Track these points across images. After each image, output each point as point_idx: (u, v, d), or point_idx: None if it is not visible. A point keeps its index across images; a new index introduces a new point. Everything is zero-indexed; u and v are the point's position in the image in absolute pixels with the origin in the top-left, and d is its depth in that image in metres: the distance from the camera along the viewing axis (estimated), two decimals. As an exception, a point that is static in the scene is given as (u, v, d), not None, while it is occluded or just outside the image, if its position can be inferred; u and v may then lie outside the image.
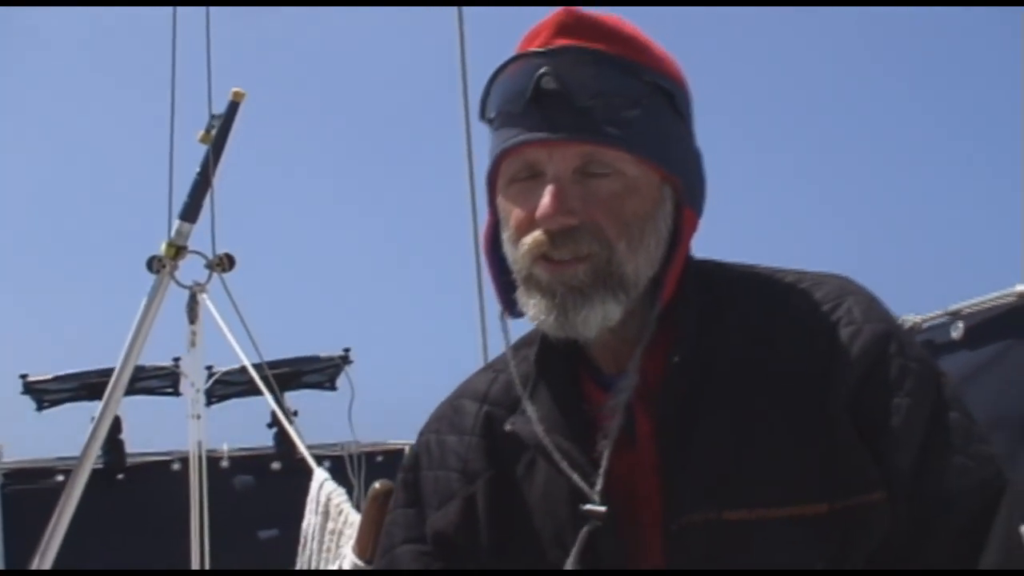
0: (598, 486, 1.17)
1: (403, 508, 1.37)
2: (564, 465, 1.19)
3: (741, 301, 1.25)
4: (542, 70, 1.17)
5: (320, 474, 2.59)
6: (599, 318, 1.18)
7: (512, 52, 1.24)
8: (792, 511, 1.12)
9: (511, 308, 1.28)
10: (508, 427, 1.26)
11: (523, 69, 1.19)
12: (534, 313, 1.21)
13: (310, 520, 2.41)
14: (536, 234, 1.18)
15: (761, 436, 1.15)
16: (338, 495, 2.36)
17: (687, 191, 1.24)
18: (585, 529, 1.17)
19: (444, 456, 1.34)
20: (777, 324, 1.22)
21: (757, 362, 1.19)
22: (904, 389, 1.15)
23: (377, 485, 1.86)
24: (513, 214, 1.21)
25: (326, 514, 2.31)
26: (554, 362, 1.28)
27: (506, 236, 1.23)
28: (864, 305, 1.21)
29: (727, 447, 1.16)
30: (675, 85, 1.24)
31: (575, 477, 1.18)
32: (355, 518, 2.19)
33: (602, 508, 1.17)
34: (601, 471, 1.18)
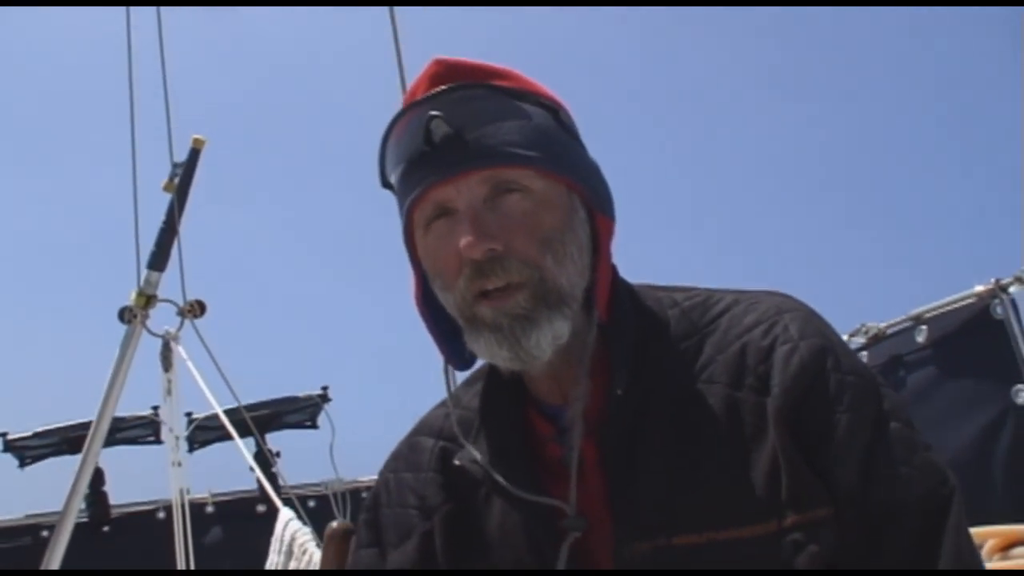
0: (572, 499, 1.19)
1: (365, 548, 1.38)
2: (515, 494, 1.21)
3: (678, 324, 1.27)
4: (429, 114, 1.19)
5: (286, 513, 2.59)
6: (549, 338, 1.19)
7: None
8: (741, 532, 1.13)
9: (455, 358, 1.30)
10: (456, 462, 1.29)
11: (411, 122, 1.22)
12: (485, 350, 1.22)
13: (273, 560, 2.41)
14: (466, 272, 1.19)
15: (705, 459, 1.16)
16: (302, 534, 2.36)
17: (595, 198, 1.25)
18: (567, 543, 1.18)
19: (402, 493, 1.35)
20: (714, 346, 1.23)
21: (697, 385, 1.20)
22: (843, 404, 1.16)
23: (334, 524, 1.86)
24: (438, 258, 1.23)
25: (289, 553, 2.30)
26: (500, 396, 1.30)
27: (438, 285, 1.25)
28: (800, 322, 1.22)
29: (673, 472, 1.17)
30: (557, 104, 1.27)
31: (546, 500, 1.20)
32: (319, 557, 2.20)
33: (578, 533, 1.19)
34: (572, 485, 1.19)
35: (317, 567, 2.07)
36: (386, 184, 1.29)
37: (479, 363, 1.33)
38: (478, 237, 1.17)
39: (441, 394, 1.39)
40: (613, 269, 1.29)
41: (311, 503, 5.09)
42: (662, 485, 1.16)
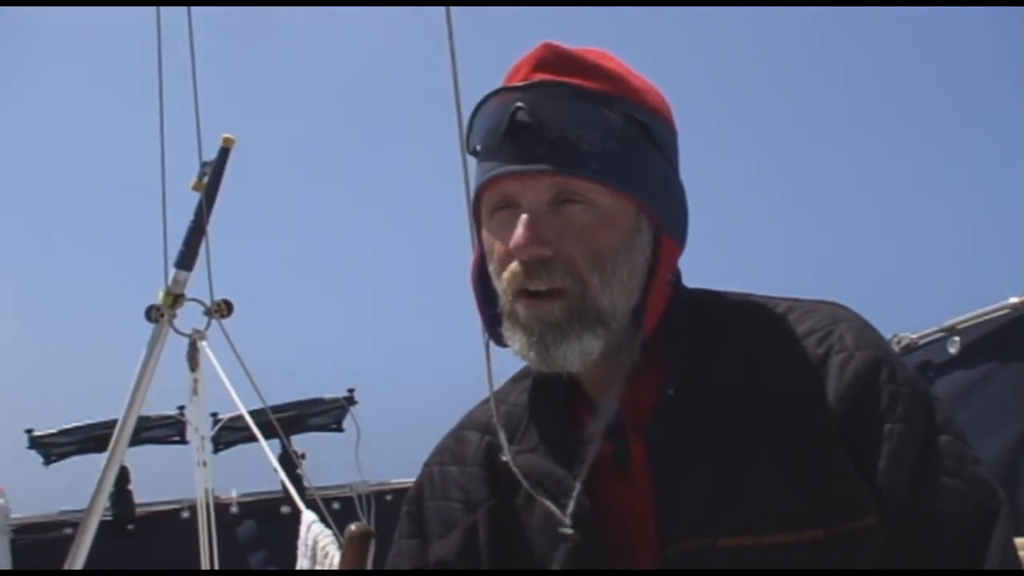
0: (570, 509, 1.19)
1: (407, 539, 1.39)
2: (538, 492, 1.22)
3: (734, 329, 1.26)
4: (516, 104, 1.19)
5: (308, 516, 2.58)
6: (577, 352, 1.19)
7: (496, 83, 1.28)
8: (787, 537, 1.13)
9: (498, 340, 1.29)
10: (504, 458, 1.28)
11: (500, 104, 1.22)
12: (517, 348, 1.23)
13: (301, 563, 2.40)
14: (513, 266, 1.20)
15: (754, 463, 1.16)
16: (324, 537, 2.35)
17: (664, 220, 1.24)
18: (561, 550, 1.20)
19: (446, 486, 1.36)
20: (769, 352, 1.23)
21: (750, 390, 1.20)
22: (896, 414, 1.16)
23: (353, 527, 1.85)
24: (495, 247, 1.23)
25: (313, 557, 2.30)
26: (548, 393, 1.30)
27: (491, 269, 1.25)
28: (855, 332, 1.22)
29: (721, 474, 1.16)
30: (653, 117, 1.25)
31: (547, 502, 1.21)
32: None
33: (570, 531, 1.19)
34: (574, 495, 1.20)
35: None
36: (469, 152, 1.30)
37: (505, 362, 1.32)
38: (530, 240, 1.18)
39: (472, 397, 1.40)
40: (677, 277, 1.29)
41: (335, 505, 5.07)
42: (710, 486, 1.16)
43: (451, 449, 1.39)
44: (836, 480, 1.14)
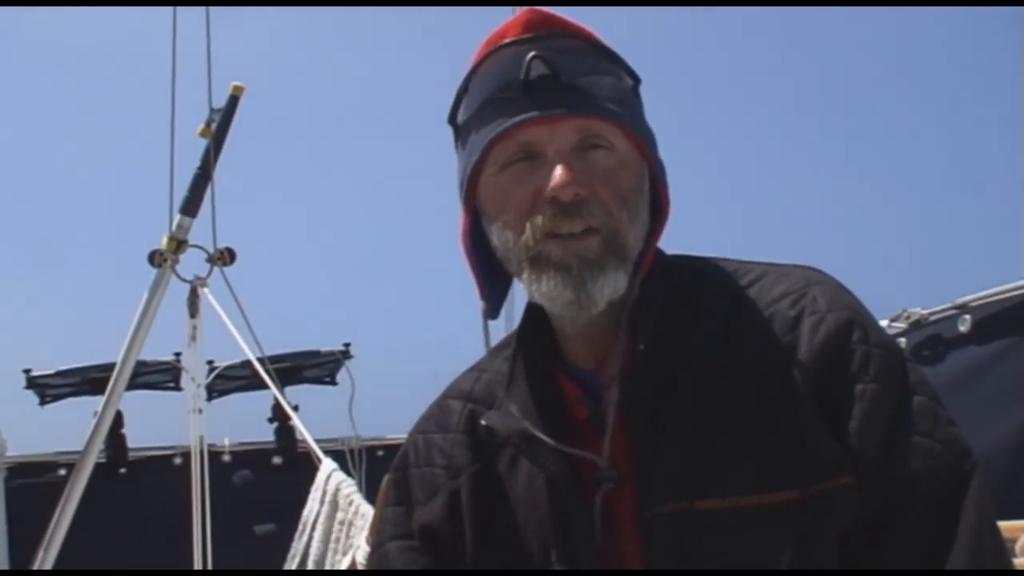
0: (605, 452, 1.19)
1: (393, 506, 1.40)
2: (550, 444, 1.21)
3: (707, 292, 1.27)
4: (531, 55, 1.19)
5: (328, 464, 2.58)
6: (611, 287, 1.20)
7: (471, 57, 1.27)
8: (764, 499, 1.14)
9: (493, 306, 1.33)
10: (483, 421, 1.29)
11: (509, 57, 1.22)
12: (547, 290, 1.21)
13: (313, 508, 2.39)
14: (546, 211, 1.19)
15: (730, 425, 1.17)
16: (347, 486, 2.35)
17: (660, 170, 1.27)
18: (599, 494, 1.19)
19: (430, 453, 1.37)
20: (743, 315, 1.24)
21: (724, 352, 1.21)
22: (869, 375, 1.16)
23: (389, 477, 1.84)
24: (511, 198, 1.22)
25: (334, 504, 2.29)
26: (530, 360, 1.30)
27: (498, 224, 1.24)
28: (828, 294, 1.23)
29: (697, 437, 1.17)
30: (637, 75, 1.28)
31: (575, 451, 1.20)
32: (366, 509, 2.18)
33: (614, 472, 1.19)
34: (607, 438, 1.19)
35: (364, 518, 2.05)
36: (452, 121, 1.29)
37: (502, 326, 1.36)
38: (572, 178, 1.17)
39: (465, 356, 1.42)
40: None
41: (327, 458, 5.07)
42: (687, 448, 1.17)
43: (435, 417, 1.40)
44: (810, 441, 1.14)
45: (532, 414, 1.25)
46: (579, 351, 1.29)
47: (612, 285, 1.20)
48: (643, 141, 1.24)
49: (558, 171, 1.18)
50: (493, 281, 1.33)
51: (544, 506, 1.24)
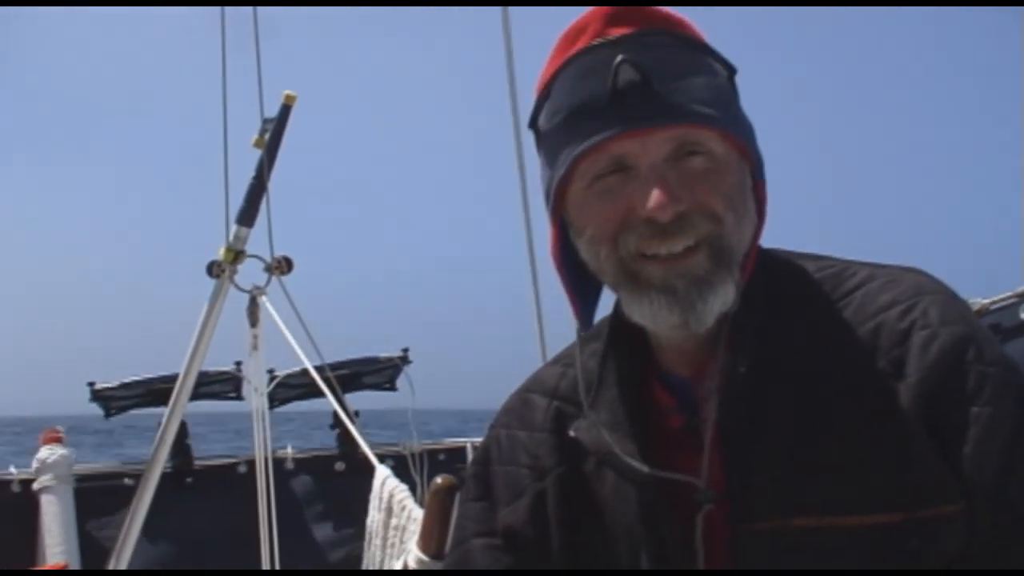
0: (704, 472, 1.16)
1: (474, 501, 1.36)
2: (644, 472, 1.17)
3: (809, 300, 1.21)
4: (618, 60, 1.11)
5: (382, 471, 2.59)
6: (720, 304, 1.14)
7: (548, 57, 1.21)
8: (863, 520, 1.09)
9: (586, 322, 1.28)
10: (572, 433, 1.26)
11: (591, 63, 1.14)
12: (649, 313, 1.16)
13: (374, 516, 2.41)
14: (642, 231, 1.13)
15: (831, 441, 1.12)
16: (400, 491, 2.36)
17: (758, 166, 1.20)
18: (700, 515, 1.16)
19: (514, 451, 1.33)
20: (848, 325, 1.17)
21: (826, 363, 1.15)
22: (983, 397, 1.10)
23: (439, 480, 1.86)
24: (601, 214, 1.16)
25: (389, 510, 2.31)
26: (621, 361, 1.26)
27: (586, 239, 1.18)
28: (941, 306, 1.15)
29: (795, 452, 1.12)
30: (731, 64, 1.20)
31: (667, 475, 1.16)
32: (418, 514, 2.19)
33: (712, 492, 1.16)
34: (705, 457, 1.16)
35: (416, 523, 2.07)
36: (533, 125, 1.23)
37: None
38: (669, 197, 1.11)
39: (522, 364, 1.35)
40: None
41: (389, 463, 5.12)
42: (783, 465, 1.12)
43: (518, 412, 1.36)
44: (916, 462, 1.09)
45: (622, 425, 1.21)
46: (674, 356, 1.24)
47: (722, 300, 1.14)
48: (742, 139, 1.17)
49: (655, 193, 1.11)
50: (582, 290, 1.27)
51: (632, 513, 1.20)
